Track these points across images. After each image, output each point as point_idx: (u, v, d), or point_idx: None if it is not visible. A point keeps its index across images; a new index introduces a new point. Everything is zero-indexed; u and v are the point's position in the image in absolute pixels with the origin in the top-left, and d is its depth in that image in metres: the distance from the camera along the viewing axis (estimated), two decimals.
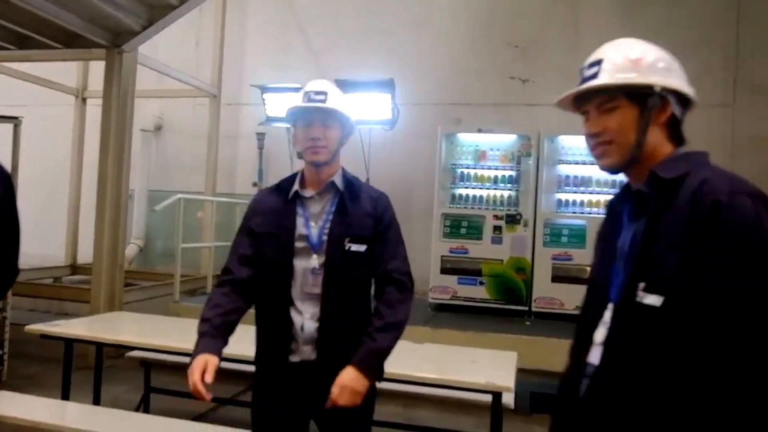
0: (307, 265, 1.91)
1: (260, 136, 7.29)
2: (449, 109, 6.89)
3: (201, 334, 1.86)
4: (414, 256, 2.05)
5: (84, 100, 7.79)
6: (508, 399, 2.93)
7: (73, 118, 7.75)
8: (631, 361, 1.17)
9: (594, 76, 1.26)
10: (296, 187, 1.99)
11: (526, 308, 5.67)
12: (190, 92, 7.23)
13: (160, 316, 4.36)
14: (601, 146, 1.28)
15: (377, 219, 1.97)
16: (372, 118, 6.18)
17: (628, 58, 1.26)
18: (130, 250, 7.31)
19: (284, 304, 1.90)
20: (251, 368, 2.04)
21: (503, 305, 5.71)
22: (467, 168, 6.00)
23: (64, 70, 7.34)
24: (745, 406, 1.06)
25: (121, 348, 3.93)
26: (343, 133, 1.99)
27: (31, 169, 6.65)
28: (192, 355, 1.80)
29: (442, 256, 5.81)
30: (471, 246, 5.78)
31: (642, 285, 1.16)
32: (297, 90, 2.17)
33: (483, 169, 5.96)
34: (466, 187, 5.98)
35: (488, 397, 2.78)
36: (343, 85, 5.46)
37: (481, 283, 5.74)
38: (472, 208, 5.90)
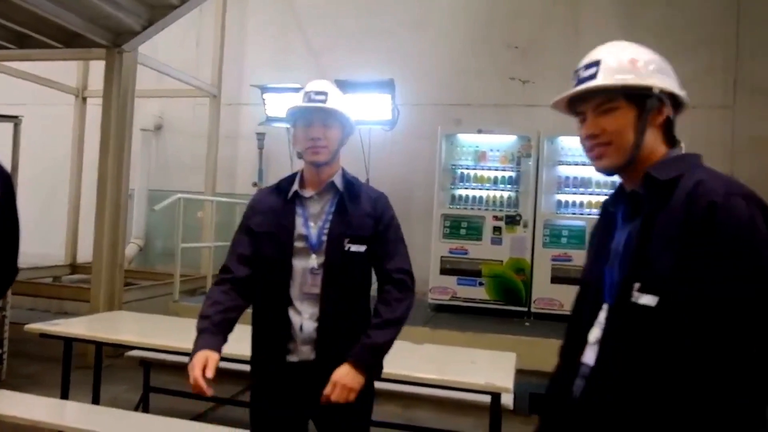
0: (306, 265, 1.91)
1: (260, 136, 7.29)
2: (449, 109, 6.89)
3: (201, 331, 1.86)
4: (414, 256, 2.05)
5: (84, 99, 7.79)
6: (507, 400, 2.93)
7: (74, 118, 7.75)
8: (627, 361, 1.17)
9: (592, 77, 1.26)
10: (296, 186, 1.99)
11: (526, 309, 5.67)
12: (191, 92, 7.24)
13: (159, 316, 4.36)
14: (599, 147, 1.28)
15: (377, 219, 1.97)
16: (372, 118, 6.18)
17: (625, 60, 1.26)
18: (130, 249, 7.31)
19: (283, 303, 1.90)
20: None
21: (503, 306, 5.71)
22: (467, 169, 6.00)
23: (64, 69, 7.34)
24: (739, 404, 1.07)
25: (121, 347, 3.93)
26: (343, 134, 2.00)
27: (31, 169, 6.66)
28: (192, 352, 1.80)
29: (441, 256, 5.81)
30: (471, 247, 5.78)
31: (637, 285, 1.17)
32: (297, 90, 2.18)
33: (483, 169, 5.96)
34: (466, 188, 5.98)
35: (487, 398, 2.78)
36: (343, 85, 5.46)
37: (481, 284, 5.74)
38: (472, 208, 5.90)
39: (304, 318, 1.89)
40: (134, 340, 3.47)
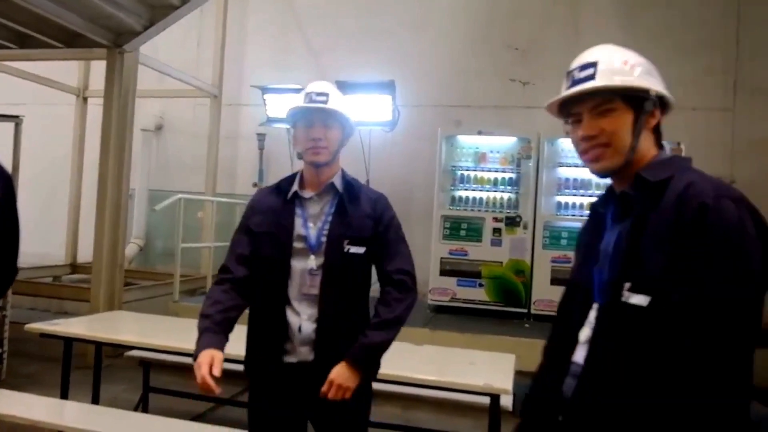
0: (305, 265, 1.92)
1: (261, 137, 7.30)
2: (449, 110, 6.90)
3: (203, 330, 1.85)
4: (413, 257, 2.04)
5: (85, 99, 7.79)
6: (507, 401, 2.94)
7: (74, 118, 7.75)
8: (617, 360, 1.18)
9: (589, 77, 1.26)
10: (295, 187, 1.99)
11: (525, 310, 5.68)
12: (191, 92, 7.24)
13: (159, 316, 4.36)
14: (596, 149, 1.28)
15: (377, 220, 1.97)
16: (372, 119, 6.18)
17: (621, 61, 1.27)
18: (130, 249, 7.31)
19: (281, 304, 1.90)
20: None
21: (502, 307, 5.71)
22: (467, 170, 6.00)
23: (65, 69, 7.34)
24: (724, 403, 1.08)
25: (121, 347, 3.93)
26: (343, 135, 2.00)
27: (32, 168, 6.66)
28: (195, 351, 1.80)
29: (441, 257, 5.82)
30: (470, 248, 5.79)
31: (627, 285, 1.18)
32: (297, 91, 2.18)
33: (483, 171, 5.96)
34: (466, 189, 5.99)
35: (486, 400, 2.78)
36: (344, 86, 5.47)
37: (481, 285, 5.74)
38: (472, 210, 5.90)
39: (303, 319, 1.89)
40: (134, 340, 3.47)
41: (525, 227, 5.71)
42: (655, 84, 1.27)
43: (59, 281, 7.46)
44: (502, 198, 5.89)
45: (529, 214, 5.73)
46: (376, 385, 2.05)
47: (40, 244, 6.99)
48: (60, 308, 6.94)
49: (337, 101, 1.95)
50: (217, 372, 1.73)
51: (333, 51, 7.29)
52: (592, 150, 1.29)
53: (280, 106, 6.47)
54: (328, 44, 7.35)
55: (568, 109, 1.32)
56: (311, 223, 1.95)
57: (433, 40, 7.11)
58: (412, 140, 6.82)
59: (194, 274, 6.84)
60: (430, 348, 3.50)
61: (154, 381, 4.13)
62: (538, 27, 6.90)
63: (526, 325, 5.45)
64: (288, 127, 2.07)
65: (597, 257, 1.31)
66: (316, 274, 1.91)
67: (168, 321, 4.25)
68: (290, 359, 1.89)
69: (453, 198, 5.99)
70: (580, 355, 1.30)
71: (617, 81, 1.25)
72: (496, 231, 5.74)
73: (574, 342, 1.32)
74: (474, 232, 5.81)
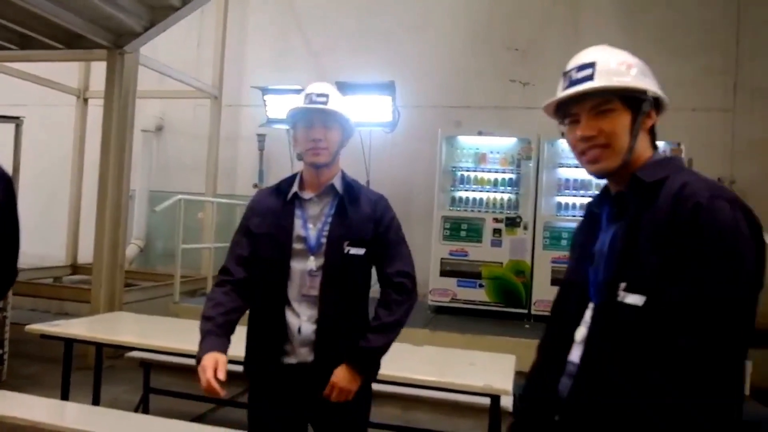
0: (305, 267, 1.92)
1: (261, 138, 7.30)
2: (449, 111, 6.90)
3: (206, 333, 1.85)
4: (414, 258, 2.04)
5: (85, 100, 7.80)
6: (507, 402, 2.93)
7: (75, 119, 7.76)
8: (613, 360, 1.19)
9: (588, 78, 1.27)
10: (295, 188, 1.99)
11: (526, 311, 5.68)
12: (191, 93, 7.25)
13: (159, 317, 4.36)
14: (594, 150, 1.28)
15: (377, 221, 1.97)
16: (372, 120, 6.19)
17: (618, 62, 1.28)
18: (131, 250, 7.32)
19: (281, 305, 1.90)
20: None
21: (502, 308, 5.71)
22: (467, 171, 6.00)
23: (65, 70, 7.35)
24: (718, 402, 1.09)
25: (121, 348, 3.93)
26: (343, 136, 2.00)
27: (32, 169, 6.65)
28: (198, 354, 1.81)
29: (441, 258, 5.82)
30: (471, 249, 5.79)
31: (623, 285, 1.19)
32: (298, 92, 2.18)
33: (483, 171, 5.97)
34: (466, 190, 5.99)
35: (486, 400, 2.78)
36: (344, 87, 5.47)
37: (481, 286, 5.74)
38: (472, 210, 5.90)
39: (303, 320, 1.89)
40: (134, 341, 3.47)
41: (525, 228, 5.71)
42: (650, 84, 1.28)
43: (60, 282, 7.46)
44: (502, 199, 5.89)
45: (529, 215, 5.73)
46: (376, 386, 2.05)
47: (40, 245, 6.99)
48: (60, 309, 6.94)
49: (337, 102, 1.96)
50: (221, 375, 1.74)
51: (333, 52, 7.29)
52: (590, 151, 1.29)
53: (280, 106, 6.48)
54: (328, 45, 7.36)
55: (566, 109, 1.32)
56: (311, 225, 1.95)
57: (433, 40, 7.11)
58: (413, 141, 6.82)
59: (194, 275, 6.84)
60: (430, 349, 3.50)
61: (154, 382, 4.13)
62: (538, 27, 6.90)
63: (527, 326, 5.45)
64: (288, 128, 2.07)
65: (592, 257, 1.32)
66: (315, 276, 1.91)
67: (168, 322, 4.25)
68: (290, 360, 1.89)
69: (453, 199, 5.99)
70: (576, 355, 1.30)
71: (616, 82, 1.25)
72: (497, 232, 5.74)
73: (570, 341, 1.32)
74: (474, 233, 5.81)
